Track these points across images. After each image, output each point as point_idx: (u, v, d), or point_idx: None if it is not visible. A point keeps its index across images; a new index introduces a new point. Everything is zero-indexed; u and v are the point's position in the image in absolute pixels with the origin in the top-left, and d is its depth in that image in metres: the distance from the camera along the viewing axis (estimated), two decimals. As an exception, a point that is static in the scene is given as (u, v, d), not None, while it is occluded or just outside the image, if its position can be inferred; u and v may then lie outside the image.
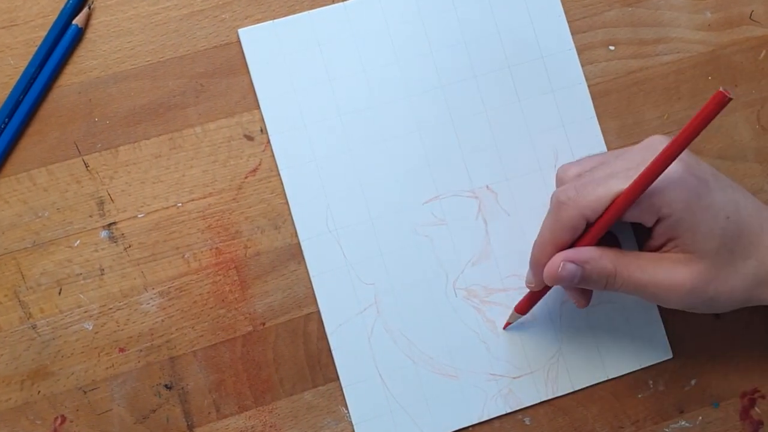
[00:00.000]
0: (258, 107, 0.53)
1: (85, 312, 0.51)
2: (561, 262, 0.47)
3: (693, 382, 0.54)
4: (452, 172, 0.53)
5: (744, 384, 0.54)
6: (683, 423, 0.54)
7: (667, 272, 0.47)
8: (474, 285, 0.53)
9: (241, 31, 0.53)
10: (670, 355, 0.54)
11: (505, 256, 0.53)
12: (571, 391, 0.53)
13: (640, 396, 0.54)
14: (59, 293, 0.51)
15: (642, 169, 0.45)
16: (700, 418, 0.54)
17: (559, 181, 0.51)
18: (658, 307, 0.54)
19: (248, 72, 0.53)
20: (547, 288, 0.50)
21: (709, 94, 0.55)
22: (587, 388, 0.53)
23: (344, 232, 0.52)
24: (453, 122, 0.53)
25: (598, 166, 0.49)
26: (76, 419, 0.50)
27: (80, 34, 0.52)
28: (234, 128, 0.52)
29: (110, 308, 0.51)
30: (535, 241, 0.49)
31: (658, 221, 0.47)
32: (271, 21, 0.53)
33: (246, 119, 0.53)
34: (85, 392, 0.50)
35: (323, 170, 0.52)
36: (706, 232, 0.46)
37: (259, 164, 0.52)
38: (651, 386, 0.54)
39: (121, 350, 0.51)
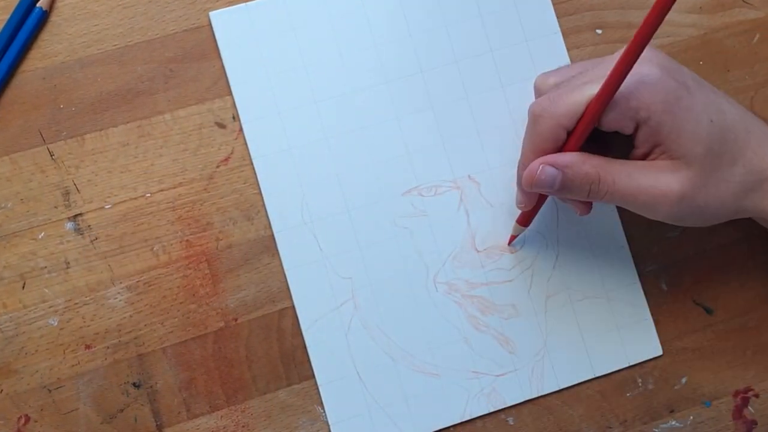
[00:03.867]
0: (230, 93, 0.52)
1: (50, 307, 0.51)
2: (540, 166, 0.47)
3: (684, 380, 0.54)
4: (433, 162, 0.53)
5: (737, 382, 0.54)
6: (673, 423, 0.54)
7: (655, 179, 0.47)
8: (455, 279, 0.53)
9: (212, 14, 0.53)
10: (659, 352, 0.54)
11: (488, 248, 0.53)
12: (557, 389, 0.53)
13: (628, 395, 0.54)
14: (23, 287, 0.51)
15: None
16: (691, 417, 0.54)
17: (537, 92, 0.51)
18: (648, 302, 0.54)
19: (220, 57, 0.53)
20: (540, 203, 0.50)
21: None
22: (573, 386, 0.53)
23: (320, 223, 0.52)
24: (433, 109, 0.53)
25: (575, 75, 0.49)
26: (41, 419, 0.50)
27: (45, 17, 0.52)
28: (205, 115, 0.52)
29: (76, 303, 0.51)
30: (519, 161, 0.49)
31: (638, 127, 0.47)
32: (243, 3, 0.53)
33: (217, 106, 0.52)
34: (49, 391, 0.50)
35: (298, 159, 0.52)
36: (691, 135, 0.46)
37: (231, 153, 0.52)
38: (640, 384, 0.54)
39: (88, 347, 0.51)
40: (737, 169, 0.47)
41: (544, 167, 0.47)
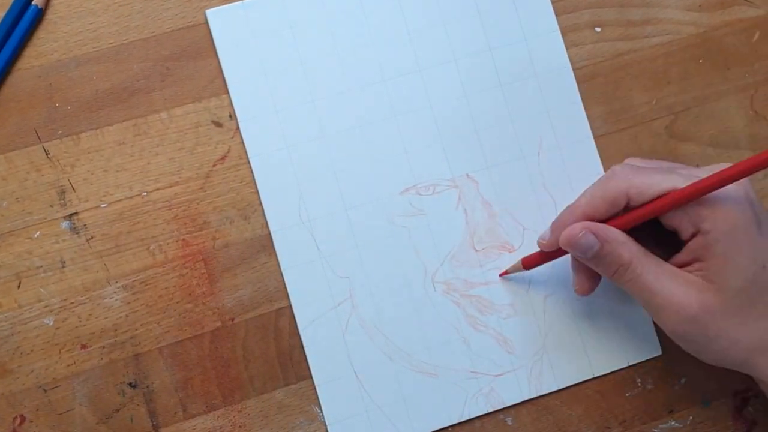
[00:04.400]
0: (227, 92, 0.52)
1: (46, 306, 0.51)
2: (583, 230, 0.47)
3: (683, 380, 0.54)
4: (431, 160, 0.53)
5: (736, 382, 0.54)
6: (673, 423, 0.54)
7: (678, 288, 0.46)
8: (454, 278, 0.53)
9: (208, 12, 0.52)
10: (659, 352, 0.54)
11: (487, 248, 0.53)
12: (556, 389, 0.53)
13: (627, 395, 0.54)
14: (18, 287, 0.50)
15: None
16: (691, 417, 0.54)
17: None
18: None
19: (216, 55, 0.52)
20: (556, 253, 0.50)
21: (700, 78, 0.55)
22: (572, 386, 0.53)
23: (317, 222, 0.52)
24: (432, 108, 0.53)
25: (666, 165, 0.49)
26: (36, 419, 0.50)
27: (40, 14, 0.52)
28: (201, 114, 0.52)
29: (72, 303, 0.51)
30: (569, 205, 0.49)
31: (694, 235, 0.46)
32: (240, 1, 0.53)
33: (214, 104, 0.52)
34: (45, 391, 0.50)
35: (295, 158, 0.52)
36: (737, 268, 0.45)
37: (228, 152, 0.52)
38: (639, 384, 0.54)
39: (83, 347, 0.51)
40: (763, 323, 0.46)
41: (587, 233, 0.47)
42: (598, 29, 0.55)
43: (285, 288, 0.52)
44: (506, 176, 0.53)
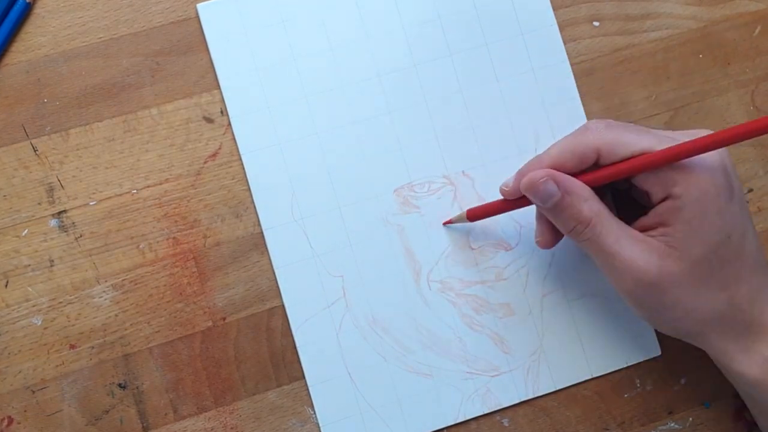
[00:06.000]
0: (218, 87, 0.52)
1: (34, 306, 0.50)
2: (546, 177, 0.45)
3: (683, 381, 0.54)
4: (426, 157, 0.53)
5: (737, 383, 0.54)
6: (672, 424, 0.53)
7: (639, 254, 0.45)
8: (449, 277, 0.52)
9: (199, 6, 0.52)
10: (658, 353, 0.53)
11: (483, 246, 0.52)
12: (553, 390, 0.52)
13: (626, 396, 0.53)
14: (6, 286, 0.50)
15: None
16: (691, 419, 0.53)
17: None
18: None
19: (207, 50, 0.52)
20: (515, 203, 0.48)
21: (700, 74, 0.55)
22: (570, 387, 0.53)
23: (310, 220, 0.52)
24: (427, 103, 0.53)
25: (641, 126, 0.47)
26: (24, 420, 0.50)
27: (28, 8, 0.51)
28: (192, 110, 0.52)
29: (60, 302, 0.50)
30: (537, 155, 0.47)
31: (663, 199, 0.45)
32: (232, -5, 0.52)
33: (205, 100, 0.52)
34: (33, 392, 0.50)
35: (288, 155, 0.52)
36: (701, 236, 0.44)
37: (219, 148, 0.52)
38: (638, 385, 0.53)
39: (72, 347, 0.50)
40: (722, 296, 0.45)
41: (548, 181, 0.45)
42: (596, 24, 0.54)
43: (277, 287, 0.51)
44: (502, 173, 0.52)
